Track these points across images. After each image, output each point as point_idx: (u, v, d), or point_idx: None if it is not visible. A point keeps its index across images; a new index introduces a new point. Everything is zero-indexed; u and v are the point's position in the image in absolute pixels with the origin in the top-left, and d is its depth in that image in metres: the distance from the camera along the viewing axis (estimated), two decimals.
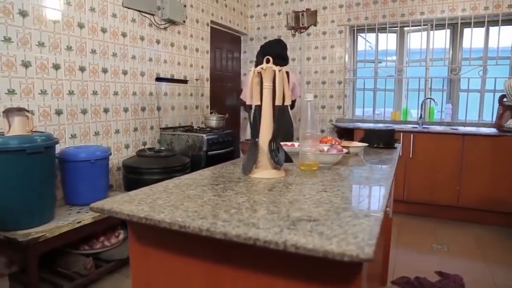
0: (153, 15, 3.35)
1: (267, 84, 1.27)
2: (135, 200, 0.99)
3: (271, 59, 1.28)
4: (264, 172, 1.27)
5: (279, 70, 1.25)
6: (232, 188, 1.11)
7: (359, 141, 2.08)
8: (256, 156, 1.28)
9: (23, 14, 2.31)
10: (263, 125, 1.28)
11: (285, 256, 0.70)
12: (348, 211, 0.88)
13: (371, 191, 1.08)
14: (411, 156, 3.73)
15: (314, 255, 0.67)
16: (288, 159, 1.32)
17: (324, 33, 4.62)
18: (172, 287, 0.96)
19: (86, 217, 2.21)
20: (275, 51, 3.17)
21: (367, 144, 1.92)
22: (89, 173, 2.42)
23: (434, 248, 3.02)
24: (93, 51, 2.79)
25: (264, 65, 1.27)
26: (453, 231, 3.39)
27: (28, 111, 2.09)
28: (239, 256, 0.84)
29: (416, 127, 3.94)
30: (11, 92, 2.27)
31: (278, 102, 1.25)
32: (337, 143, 1.87)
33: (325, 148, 1.57)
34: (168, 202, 0.96)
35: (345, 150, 1.57)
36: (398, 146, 2.21)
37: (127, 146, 3.16)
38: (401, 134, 3.72)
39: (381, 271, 2.22)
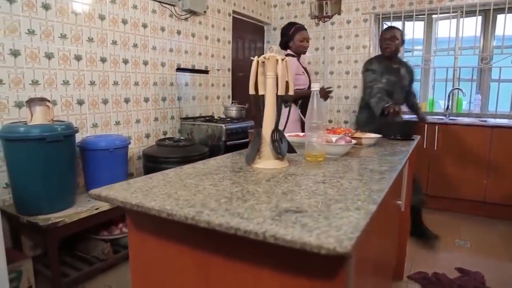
0: (173, 5, 3.37)
1: (271, 74, 1.25)
2: (132, 187, 1.01)
3: (274, 48, 1.26)
4: (267, 162, 1.26)
5: (282, 59, 1.23)
6: (230, 178, 1.11)
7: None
8: (258, 146, 1.27)
9: (46, 7, 2.38)
10: (266, 115, 1.27)
11: (272, 247, 0.69)
12: (340, 203, 0.86)
13: (372, 184, 1.05)
14: (435, 148, 3.60)
15: (292, 247, 0.66)
16: (291, 149, 1.31)
17: (348, 22, 4.51)
18: (167, 274, 0.97)
19: (104, 204, 2.28)
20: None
21: (380, 136, 1.87)
22: (108, 161, 2.49)
23: (456, 244, 2.92)
24: (114, 42, 2.85)
25: (267, 54, 1.25)
26: (478, 228, 3.27)
27: (49, 101, 2.17)
28: (228, 246, 0.84)
29: (443, 119, 3.79)
30: (35, 82, 2.36)
31: (280, 92, 1.23)
32: (349, 134, 1.84)
33: (334, 139, 1.54)
34: (163, 191, 0.97)
35: (354, 142, 1.53)
36: (417, 138, 2.13)
37: (147, 136, 3.23)
38: (425, 125, 3.60)
39: (395, 265, 2.17)
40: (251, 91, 1.28)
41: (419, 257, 2.67)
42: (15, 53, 2.24)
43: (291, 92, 1.28)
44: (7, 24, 2.19)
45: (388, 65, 2.85)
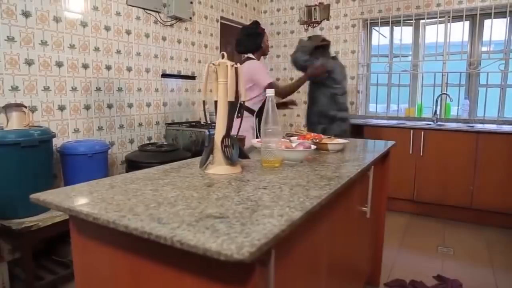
0: (158, 12, 3.40)
1: (222, 80, 1.27)
2: (74, 192, 1.03)
3: (225, 54, 1.28)
4: (218, 168, 1.27)
5: (232, 65, 1.24)
6: (174, 184, 1.12)
7: None
8: (210, 152, 1.28)
9: (26, 14, 2.42)
10: (217, 121, 1.28)
11: (192, 254, 0.69)
12: (268, 209, 0.87)
13: (313, 190, 1.05)
14: (421, 154, 3.59)
15: (196, 252, 0.67)
16: (243, 155, 1.32)
17: (337, 27, 4.52)
18: (106, 279, 0.98)
19: None
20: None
21: (347, 141, 1.87)
22: (88, 166, 2.51)
23: (439, 250, 2.90)
24: (97, 49, 2.88)
25: (218, 60, 1.26)
26: (463, 234, 3.24)
27: (25, 106, 2.20)
28: (156, 251, 0.84)
29: (430, 124, 3.78)
30: (14, 88, 2.39)
31: (230, 98, 1.25)
32: (318, 139, 1.84)
33: (294, 145, 1.55)
34: (102, 195, 0.98)
35: (313, 147, 1.54)
36: (392, 144, 2.13)
37: (131, 141, 3.25)
38: (411, 131, 3.59)
39: (369, 271, 2.16)
40: (203, 97, 1.29)
41: (399, 264, 2.66)
42: None
43: (243, 98, 1.29)
44: None
45: None
